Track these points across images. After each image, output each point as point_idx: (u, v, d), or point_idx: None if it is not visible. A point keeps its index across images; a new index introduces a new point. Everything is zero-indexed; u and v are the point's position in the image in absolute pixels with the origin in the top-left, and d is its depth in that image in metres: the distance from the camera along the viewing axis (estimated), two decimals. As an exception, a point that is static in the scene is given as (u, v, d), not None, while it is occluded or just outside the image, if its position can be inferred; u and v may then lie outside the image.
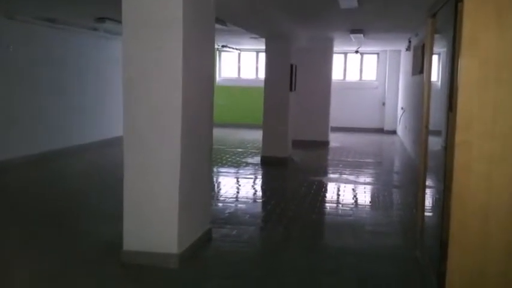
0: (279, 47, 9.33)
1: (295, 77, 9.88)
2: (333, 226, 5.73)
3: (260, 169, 8.97)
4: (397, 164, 10.41)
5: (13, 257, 4.28)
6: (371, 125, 15.34)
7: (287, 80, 9.38)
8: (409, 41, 11.15)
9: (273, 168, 8.95)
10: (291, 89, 9.54)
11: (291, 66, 9.45)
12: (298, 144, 10.60)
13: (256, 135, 10.84)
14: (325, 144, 12.01)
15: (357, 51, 13.96)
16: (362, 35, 9.83)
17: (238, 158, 9.92)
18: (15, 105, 8.39)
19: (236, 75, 16.87)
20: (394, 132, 14.74)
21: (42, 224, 5.21)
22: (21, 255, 4.33)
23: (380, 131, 15.13)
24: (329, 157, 10.75)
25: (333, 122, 12.85)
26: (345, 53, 15.67)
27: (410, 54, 11.39)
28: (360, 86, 15.94)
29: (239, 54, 16.59)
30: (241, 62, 16.91)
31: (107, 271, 3.99)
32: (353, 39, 10.81)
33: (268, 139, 9.40)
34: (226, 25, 8.26)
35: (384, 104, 15.51)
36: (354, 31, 9.56)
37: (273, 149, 9.33)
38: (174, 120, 4.00)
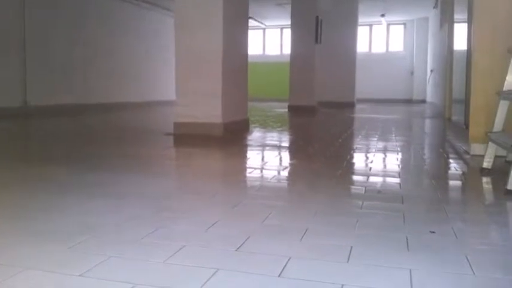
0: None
1: (321, 30, 11.72)
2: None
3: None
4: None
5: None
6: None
7: (312, 31, 11.25)
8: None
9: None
10: (316, 41, 11.65)
11: (317, 18, 11.47)
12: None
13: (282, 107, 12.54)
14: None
15: (383, 15, 15.95)
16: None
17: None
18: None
19: (261, 52, 19.16)
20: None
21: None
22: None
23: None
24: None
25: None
26: (370, 25, 17.95)
27: (437, 11, 13.26)
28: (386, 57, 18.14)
29: (264, 31, 19.03)
30: (266, 39, 19.25)
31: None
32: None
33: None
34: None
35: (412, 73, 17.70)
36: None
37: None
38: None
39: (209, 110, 5.77)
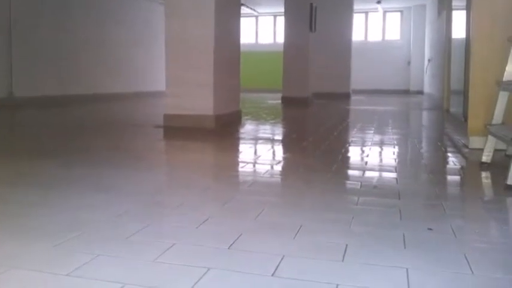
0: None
1: (316, 18, 11.78)
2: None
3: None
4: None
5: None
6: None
7: (306, 19, 11.29)
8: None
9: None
10: (310, 29, 11.66)
11: (311, 5, 11.52)
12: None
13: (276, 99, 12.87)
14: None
15: (379, 2, 15.95)
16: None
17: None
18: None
19: (254, 41, 19.15)
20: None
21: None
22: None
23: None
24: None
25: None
26: (366, 12, 17.97)
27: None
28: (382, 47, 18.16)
29: (256, 18, 18.99)
30: (259, 27, 19.20)
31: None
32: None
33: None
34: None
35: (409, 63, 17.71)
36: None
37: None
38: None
39: (200, 102, 5.75)
